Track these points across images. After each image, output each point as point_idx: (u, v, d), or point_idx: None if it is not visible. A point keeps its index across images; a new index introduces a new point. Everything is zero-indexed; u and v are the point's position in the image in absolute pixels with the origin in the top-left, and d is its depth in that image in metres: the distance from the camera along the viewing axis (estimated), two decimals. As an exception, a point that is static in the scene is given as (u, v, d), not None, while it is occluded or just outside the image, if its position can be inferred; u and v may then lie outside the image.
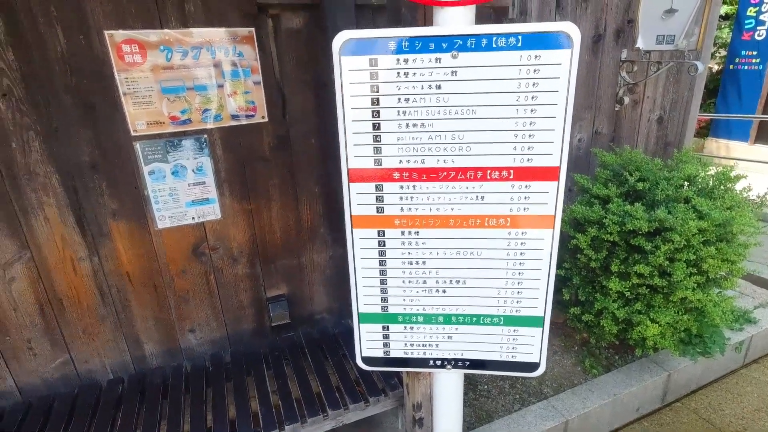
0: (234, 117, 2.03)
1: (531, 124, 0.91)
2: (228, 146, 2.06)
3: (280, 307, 2.40)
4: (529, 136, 0.92)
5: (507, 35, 0.84)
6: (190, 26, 1.83)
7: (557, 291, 2.75)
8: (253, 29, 1.93)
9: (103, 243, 1.99)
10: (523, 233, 1.01)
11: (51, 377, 2.08)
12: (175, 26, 1.81)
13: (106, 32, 1.72)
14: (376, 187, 0.99)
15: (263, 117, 2.08)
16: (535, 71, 0.87)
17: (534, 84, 0.88)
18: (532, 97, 0.89)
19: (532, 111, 0.90)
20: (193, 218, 2.11)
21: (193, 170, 2.04)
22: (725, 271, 2.26)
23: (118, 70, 1.78)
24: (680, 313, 2.22)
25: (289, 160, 2.19)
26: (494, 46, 0.85)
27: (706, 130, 7.78)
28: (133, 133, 1.88)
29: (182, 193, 2.05)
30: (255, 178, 2.16)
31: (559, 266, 2.58)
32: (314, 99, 2.14)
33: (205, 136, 2.00)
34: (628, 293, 2.23)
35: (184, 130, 1.96)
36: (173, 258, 2.14)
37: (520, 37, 0.84)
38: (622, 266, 2.22)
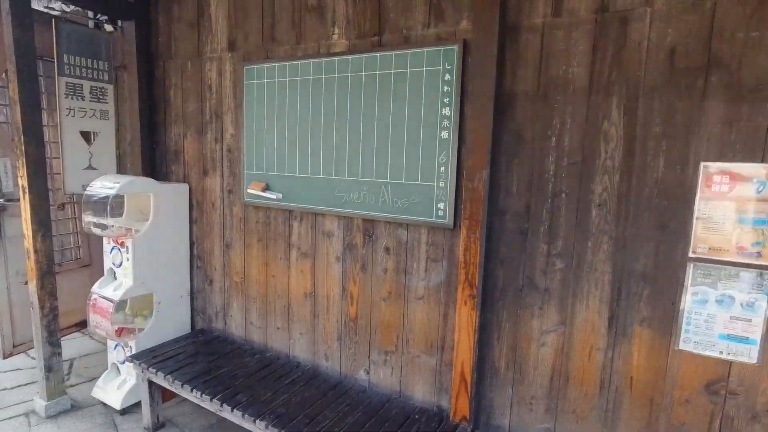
0: (818, 261, 1.76)
1: None
2: (797, 290, 1.80)
3: (806, 505, 1.84)
4: None
5: None
6: (797, 163, 1.75)
7: None
8: None
9: (622, 343, 2.13)
10: None
11: (534, 436, 2.39)
12: (779, 162, 1.77)
13: (702, 163, 1.89)
14: None
15: None
16: None
17: None
18: None
19: None
20: (720, 352, 1.95)
21: (741, 304, 1.90)
22: None
23: (700, 197, 1.90)
24: None
25: None
26: None
27: None
28: (690, 255, 1.95)
29: (718, 324, 1.94)
30: (822, 334, 1.78)
31: None
32: None
33: (771, 273, 1.83)
34: None
35: (748, 263, 1.86)
36: (682, 384, 2.04)
37: None
38: None
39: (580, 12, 2.04)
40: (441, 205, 2.36)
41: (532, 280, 2.28)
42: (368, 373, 2.83)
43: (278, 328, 3.18)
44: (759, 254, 1.85)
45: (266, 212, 3.11)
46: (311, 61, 2.66)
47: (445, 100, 2.27)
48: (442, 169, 2.33)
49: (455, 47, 2.21)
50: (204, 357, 3.08)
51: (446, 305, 2.51)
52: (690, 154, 1.92)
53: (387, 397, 2.72)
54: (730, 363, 1.95)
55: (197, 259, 3.57)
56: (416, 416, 2.52)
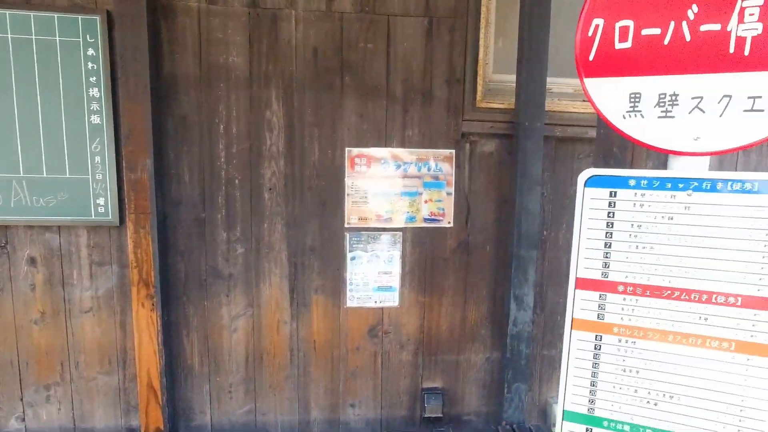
0: (425, 220, 2.37)
1: (762, 257, 1.01)
2: (416, 244, 2.39)
3: (435, 400, 2.49)
4: (760, 268, 1.01)
5: (743, 181, 0.99)
6: (406, 147, 2.29)
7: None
8: (453, 151, 2.33)
9: (303, 312, 2.37)
10: (747, 359, 1.05)
11: (236, 422, 2.41)
12: (395, 146, 2.29)
13: (346, 148, 2.26)
14: (600, 296, 1.14)
15: (449, 223, 2.39)
16: (768, 212, 0.99)
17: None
18: (766, 234, 1.00)
19: (764, 246, 1.00)
20: (375, 302, 2.42)
21: (384, 261, 2.39)
22: None
23: (348, 176, 2.28)
24: None
25: (465, 262, 2.43)
26: (730, 189, 1.00)
27: None
28: (346, 225, 2.32)
29: (372, 279, 2.39)
30: (433, 274, 2.42)
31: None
32: (495, 212, 2.41)
33: (400, 233, 2.36)
34: None
35: (385, 227, 2.35)
36: (352, 335, 2.43)
37: (756, 183, 0.98)
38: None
39: (234, 3, 2.10)
40: (101, 201, 2.05)
41: (215, 268, 2.26)
42: (23, 419, 2.24)
43: None
44: (390, 219, 2.36)
45: None
46: None
47: (91, 79, 1.97)
48: (98, 159, 2.02)
49: (97, 18, 1.93)
50: None
51: (123, 312, 2.22)
52: (337, 141, 2.26)
53: (57, 439, 2.23)
54: (382, 309, 2.43)
55: None
56: (97, 449, 2.16)
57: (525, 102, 2.23)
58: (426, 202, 2.37)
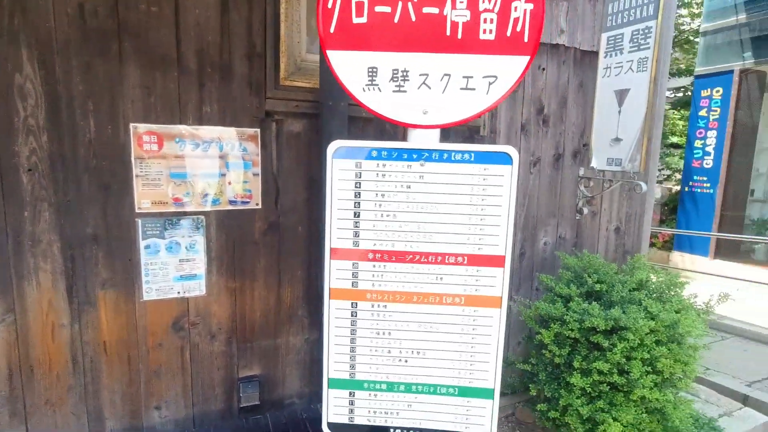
0: (231, 202, 2.25)
1: (481, 220, 1.14)
2: (222, 228, 2.25)
3: (251, 388, 2.41)
4: (480, 229, 1.15)
5: (462, 152, 1.10)
6: (205, 124, 2.13)
7: (525, 389, 2.82)
8: (258, 130, 2.24)
9: (88, 311, 2.07)
10: (474, 311, 1.19)
11: (4, 451, 2.02)
12: (192, 123, 2.10)
13: (131, 125, 2.00)
14: (353, 264, 1.18)
15: (257, 204, 2.30)
16: (483, 179, 1.12)
17: (483, 189, 1.13)
18: (482, 200, 1.13)
19: (482, 210, 1.14)
20: (178, 292, 2.23)
21: (185, 247, 2.20)
22: (680, 372, 2.40)
23: (135, 156, 2.03)
24: (641, 413, 2.31)
25: (277, 244, 2.38)
26: (453, 159, 1.11)
27: (670, 244, 8.32)
28: (137, 210, 2.07)
29: (172, 268, 2.19)
30: (243, 258, 2.32)
31: (525, 361, 2.69)
32: (305, 192, 2.40)
33: (202, 217, 2.20)
34: (590, 390, 2.33)
35: (184, 211, 2.16)
36: (153, 330, 2.21)
37: (472, 154, 1.10)
38: (583, 363, 2.35)
39: (-45, -66, 1.68)
40: None
41: (-46, 269, 1.83)
42: None
43: None
44: (191, 202, 2.18)
45: None
46: None
47: None
48: None
49: None
50: None
51: None
52: (119, 116, 1.99)
53: None
54: (187, 300, 2.25)
55: None
56: None
57: (329, 81, 2.24)
58: (230, 183, 2.24)
